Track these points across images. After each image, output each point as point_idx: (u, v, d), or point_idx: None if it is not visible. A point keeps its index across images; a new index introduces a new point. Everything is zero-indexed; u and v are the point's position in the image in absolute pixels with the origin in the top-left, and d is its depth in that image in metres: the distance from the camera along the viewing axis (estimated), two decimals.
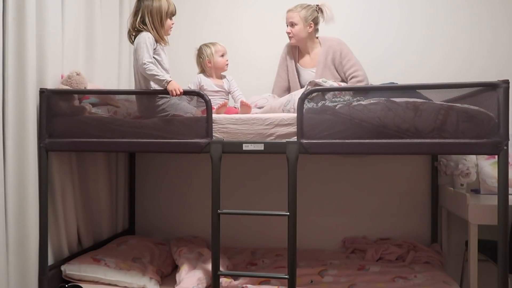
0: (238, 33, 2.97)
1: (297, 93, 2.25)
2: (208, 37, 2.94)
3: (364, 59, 2.68)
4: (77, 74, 2.14)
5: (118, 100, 2.27)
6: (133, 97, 2.19)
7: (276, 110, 2.24)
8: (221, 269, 2.00)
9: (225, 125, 2.00)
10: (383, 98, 1.87)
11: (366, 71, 2.49)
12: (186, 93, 2.13)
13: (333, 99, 1.95)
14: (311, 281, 2.25)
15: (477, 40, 2.75)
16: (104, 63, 2.58)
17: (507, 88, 1.76)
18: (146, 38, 2.04)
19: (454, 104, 1.84)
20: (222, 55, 2.53)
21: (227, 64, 2.55)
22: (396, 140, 1.84)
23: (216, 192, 1.95)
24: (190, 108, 2.12)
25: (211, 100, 2.04)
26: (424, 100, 1.86)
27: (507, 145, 1.76)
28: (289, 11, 2.47)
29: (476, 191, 2.59)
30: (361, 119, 1.85)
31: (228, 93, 2.56)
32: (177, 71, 2.94)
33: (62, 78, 2.17)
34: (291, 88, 2.57)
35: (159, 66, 2.09)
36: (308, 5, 2.47)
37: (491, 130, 1.77)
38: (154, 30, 2.08)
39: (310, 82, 2.16)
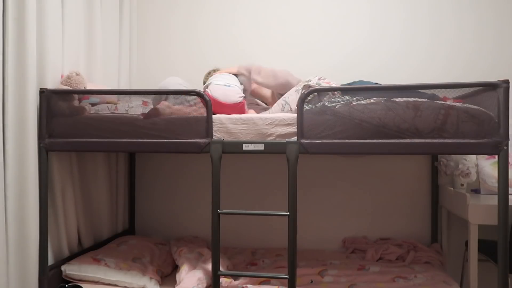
0: (234, 34, 2.97)
1: (290, 95, 2.25)
2: (204, 37, 2.97)
3: (369, 64, 2.80)
4: (77, 74, 2.14)
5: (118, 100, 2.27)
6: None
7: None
8: (221, 269, 2.00)
9: (225, 125, 2.00)
10: (383, 98, 1.87)
11: (371, 76, 2.57)
12: (186, 93, 2.13)
13: (332, 100, 1.95)
14: (311, 281, 2.25)
15: (480, 44, 2.75)
16: (104, 63, 2.58)
17: (507, 88, 1.76)
18: None
19: (454, 104, 1.84)
20: None
21: None
22: (396, 140, 1.84)
23: (216, 192, 1.95)
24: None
25: None
26: (424, 100, 1.86)
27: (507, 145, 1.76)
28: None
29: (476, 191, 2.59)
30: (361, 119, 1.85)
31: None
32: (173, 69, 2.97)
33: (62, 78, 2.17)
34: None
35: None
36: None
37: (491, 130, 1.77)
38: None
39: (304, 85, 2.16)
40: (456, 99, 1.96)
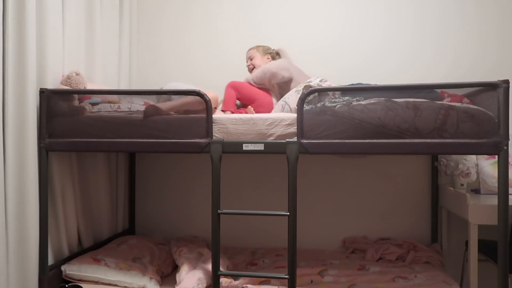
0: (255, 32, 2.96)
1: (290, 95, 2.26)
2: (222, 34, 2.99)
3: (350, 61, 2.82)
4: (77, 74, 2.14)
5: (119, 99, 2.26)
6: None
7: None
8: (221, 269, 2.00)
9: (225, 125, 2.00)
10: (383, 98, 1.87)
11: (353, 73, 2.68)
12: (185, 92, 2.13)
13: (332, 100, 1.96)
14: (311, 281, 2.25)
15: (465, 41, 2.76)
16: (104, 63, 2.58)
17: (507, 88, 1.76)
18: None
19: (454, 104, 1.84)
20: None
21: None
22: (396, 140, 1.83)
23: (216, 192, 1.95)
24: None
25: None
26: (424, 100, 1.86)
27: (507, 145, 1.76)
28: (248, 50, 2.64)
29: (476, 191, 2.59)
30: (361, 119, 1.85)
31: None
32: (173, 69, 2.97)
33: (62, 78, 2.17)
34: None
35: None
36: (266, 46, 2.64)
37: (491, 130, 1.77)
38: None
39: (305, 86, 2.16)
40: (453, 96, 1.96)
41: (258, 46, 2.63)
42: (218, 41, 2.99)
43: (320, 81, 2.18)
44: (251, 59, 2.60)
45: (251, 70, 2.59)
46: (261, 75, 2.43)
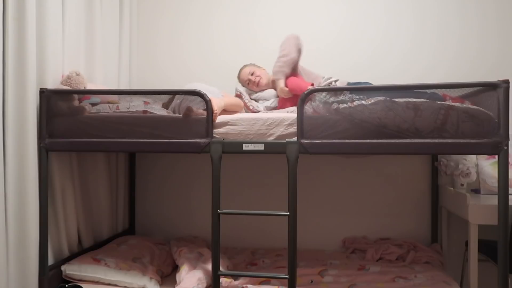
0: (252, 35, 2.96)
1: None
2: (218, 33, 2.98)
3: (350, 60, 2.82)
4: (77, 74, 2.14)
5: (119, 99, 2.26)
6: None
7: None
8: (221, 269, 2.00)
9: (225, 125, 2.00)
10: (383, 98, 1.87)
11: (352, 73, 2.67)
12: (187, 92, 2.13)
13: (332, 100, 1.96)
14: (311, 281, 2.25)
15: (465, 40, 2.76)
16: (104, 63, 2.58)
17: (507, 88, 1.76)
18: None
19: (454, 104, 1.84)
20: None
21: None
22: (396, 140, 1.84)
23: (216, 192, 1.95)
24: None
25: None
26: (424, 100, 1.86)
27: (507, 145, 1.76)
28: (243, 68, 2.65)
29: (476, 191, 2.59)
30: (361, 119, 1.85)
31: None
32: (185, 66, 2.99)
33: (62, 78, 2.17)
34: None
35: None
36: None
37: (491, 130, 1.77)
38: None
39: None
40: (455, 99, 1.96)
41: (250, 64, 2.66)
42: (214, 43, 2.98)
43: (335, 81, 2.19)
44: (253, 73, 2.58)
45: (257, 82, 2.57)
46: (287, 51, 2.37)
